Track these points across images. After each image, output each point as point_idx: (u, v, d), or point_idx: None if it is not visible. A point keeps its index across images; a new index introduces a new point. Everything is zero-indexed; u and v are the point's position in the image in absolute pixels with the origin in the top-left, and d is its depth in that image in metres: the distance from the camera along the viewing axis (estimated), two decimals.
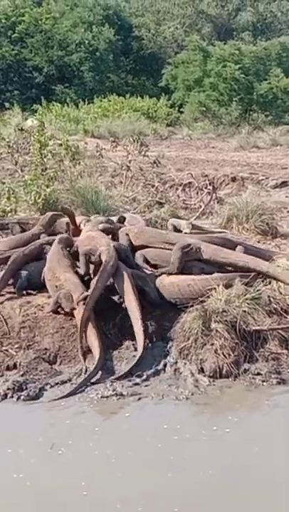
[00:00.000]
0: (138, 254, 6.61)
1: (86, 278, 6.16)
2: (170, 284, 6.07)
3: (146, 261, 6.55)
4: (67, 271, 6.10)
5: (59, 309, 5.80)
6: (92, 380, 5.09)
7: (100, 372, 5.21)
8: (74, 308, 5.65)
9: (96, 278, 5.82)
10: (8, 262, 6.38)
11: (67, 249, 6.48)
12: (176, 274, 6.18)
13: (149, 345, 5.63)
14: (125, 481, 3.98)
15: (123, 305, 5.81)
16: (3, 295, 6.16)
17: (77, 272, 6.19)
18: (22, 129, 14.71)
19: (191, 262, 6.30)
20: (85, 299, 5.64)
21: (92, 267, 6.23)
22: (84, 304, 5.59)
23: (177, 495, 3.85)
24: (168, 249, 6.50)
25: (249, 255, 6.51)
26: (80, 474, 4.02)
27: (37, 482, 3.93)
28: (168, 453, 4.26)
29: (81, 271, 6.20)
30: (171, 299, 6.01)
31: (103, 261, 5.92)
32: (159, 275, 6.23)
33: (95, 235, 6.52)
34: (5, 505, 3.77)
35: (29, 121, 20.46)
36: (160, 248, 6.59)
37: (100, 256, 6.03)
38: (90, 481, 3.94)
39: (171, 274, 6.19)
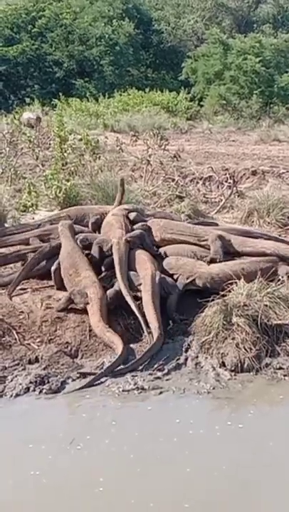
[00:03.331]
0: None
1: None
2: (221, 271, 6.02)
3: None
4: (88, 268, 6.09)
5: (71, 306, 5.82)
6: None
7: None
8: (87, 303, 5.67)
9: (118, 278, 5.87)
10: (36, 252, 6.47)
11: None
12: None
13: (170, 339, 5.65)
14: (142, 476, 3.98)
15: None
16: (25, 289, 6.21)
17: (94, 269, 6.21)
18: (19, 121, 14.85)
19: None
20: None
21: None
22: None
23: (188, 490, 3.85)
24: (194, 243, 6.51)
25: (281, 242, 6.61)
26: (98, 470, 4.03)
27: (53, 479, 3.94)
28: (183, 448, 4.27)
29: (94, 258, 6.30)
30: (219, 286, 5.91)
31: (114, 258, 6.03)
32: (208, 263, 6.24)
33: (115, 222, 6.65)
34: (20, 503, 3.79)
35: (25, 114, 20.72)
36: (185, 242, 6.58)
37: (111, 248, 6.19)
38: (108, 476, 3.95)
39: (215, 262, 6.23)
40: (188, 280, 6.04)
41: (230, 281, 5.80)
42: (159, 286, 5.85)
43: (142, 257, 6.25)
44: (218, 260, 6.24)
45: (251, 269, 5.99)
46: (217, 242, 6.39)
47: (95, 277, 5.98)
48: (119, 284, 5.84)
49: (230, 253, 6.45)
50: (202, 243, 6.51)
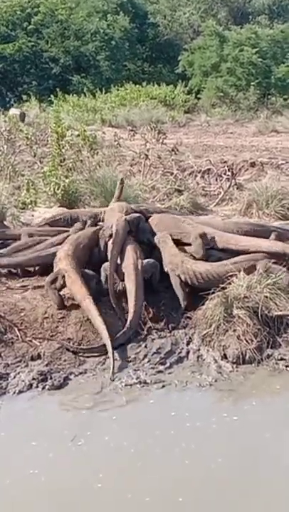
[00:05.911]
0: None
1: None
2: (205, 271, 5.96)
3: None
4: (72, 243, 6.28)
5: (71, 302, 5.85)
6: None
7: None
8: (63, 276, 5.77)
9: (111, 248, 6.10)
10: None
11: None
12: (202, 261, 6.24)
13: (172, 332, 5.66)
14: (141, 471, 3.99)
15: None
16: (26, 286, 6.22)
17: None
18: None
19: (208, 250, 6.34)
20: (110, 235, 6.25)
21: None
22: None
23: (184, 484, 3.87)
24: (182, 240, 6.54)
25: (262, 238, 6.54)
26: (98, 466, 4.04)
27: (54, 476, 3.95)
28: (187, 442, 4.28)
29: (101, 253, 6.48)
30: (204, 286, 5.90)
31: (113, 232, 6.22)
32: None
33: (116, 207, 6.93)
34: (18, 500, 3.79)
35: (12, 110, 21.29)
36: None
37: (111, 227, 6.37)
38: (107, 472, 3.96)
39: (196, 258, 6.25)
40: (177, 274, 6.06)
41: (212, 283, 5.81)
42: (142, 275, 5.93)
43: (125, 245, 6.30)
44: (199, 258, 6.27)
45: (235, 270, 5.88)
46: (197, 240, 6.35)
47: (71, 251, 6.08)
48: (110, 258, 6.00)
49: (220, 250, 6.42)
50: (186, 240, 6.50)
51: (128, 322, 5.50)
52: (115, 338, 5.32)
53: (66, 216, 7.56)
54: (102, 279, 6.01)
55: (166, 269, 6.15)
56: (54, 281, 5.86)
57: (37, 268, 6.59)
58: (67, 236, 6.70)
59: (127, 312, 5.64)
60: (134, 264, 5.93)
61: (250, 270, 5.94)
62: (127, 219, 6.50)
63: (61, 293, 5.87)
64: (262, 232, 6.84)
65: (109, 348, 5.16)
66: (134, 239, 6.45)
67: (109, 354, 5.13)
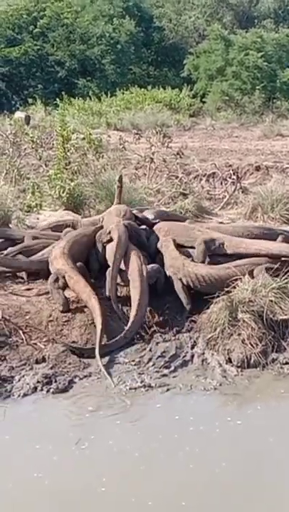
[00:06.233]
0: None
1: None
2: (207, 274, 5.96)
3: None
4: (67, 240, 6.29)
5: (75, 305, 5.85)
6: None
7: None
8: (63, 277, 5.79)
9: (114, 252, 6.01)
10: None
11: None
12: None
13: (176, 336, 5.66)
14: (145, 475, 3.98)
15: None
16: (30, 289, 6.22)
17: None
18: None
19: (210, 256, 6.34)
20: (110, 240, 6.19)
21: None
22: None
23: (188, 488, 3.85)
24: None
25: (273, 241, 6.52)
26: (101, 469, 4.03)
27: (57, 480, 3.94)
28: (192, 446, 4.27)
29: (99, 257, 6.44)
30: (206, 289, 5.91)
31: (115, 238, 6.13)
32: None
33: (113, 211, 6.84)
34: (21, 505, 3.78)
35: (17, 113, 21.72)
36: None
37: (109, 233, 6.27)
38: (111, 475, 3.95)
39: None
40: (178, 277, 6.04)
41: (214, 286, 5.79)
42: (147, 281, 5.89)
43: (128, 251, 6.26)
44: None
45: (237, 274, 5.86)
46: (201, 246, 6.33)
47: (66, 249, 6.08)
48: (111, 265, 5.93)
49: (227, 255, 6.38)
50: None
51: (124, 331, 5.46)
52: (108, 344, 5.34)
53: (68, 222, 7.60)
54: (107, 284, 6.00)
55: (168, 273, 6.14)
56: (56, 280, 5.86)
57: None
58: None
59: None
60: (139, 271, 5.89)
61: (252, 273, 5.94)
62: (125, 224, 6.39)
63: (66, 295, 5.88)
64: (270, 236, 6.82)
65: (97, 353, 5.17)
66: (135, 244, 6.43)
67: (97, 359, 5.14)
